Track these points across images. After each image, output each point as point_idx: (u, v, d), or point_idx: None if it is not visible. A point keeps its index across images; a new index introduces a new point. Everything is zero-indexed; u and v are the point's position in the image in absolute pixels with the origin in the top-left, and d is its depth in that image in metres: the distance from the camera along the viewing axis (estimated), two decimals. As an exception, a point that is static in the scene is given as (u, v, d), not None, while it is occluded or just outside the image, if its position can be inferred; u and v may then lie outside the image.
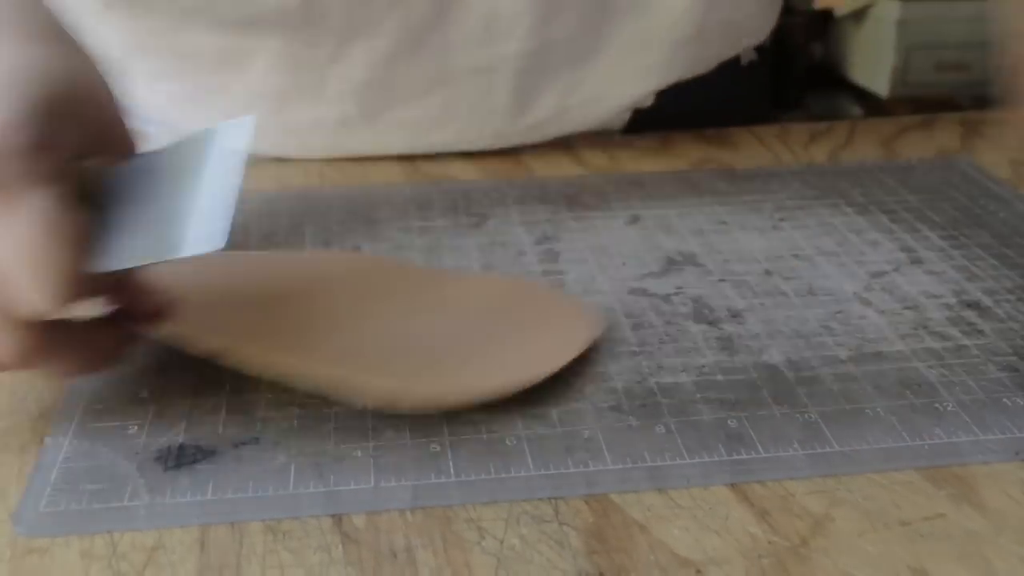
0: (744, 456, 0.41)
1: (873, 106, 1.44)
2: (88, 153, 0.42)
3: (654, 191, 0.66)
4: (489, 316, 0.50)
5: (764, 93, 0.86)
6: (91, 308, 0.42)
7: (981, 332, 0.50)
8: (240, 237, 0.60)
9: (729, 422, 0.43)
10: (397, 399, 0.43)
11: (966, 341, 0.49)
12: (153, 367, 0.47)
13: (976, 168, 0.69)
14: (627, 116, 0.76)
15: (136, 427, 0.43)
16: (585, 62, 0.73)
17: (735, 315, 0.51)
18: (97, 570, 0.36)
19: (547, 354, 0.46)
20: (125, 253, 0.39)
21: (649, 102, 0.75)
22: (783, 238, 0.60)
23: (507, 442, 0.42)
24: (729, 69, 0.78)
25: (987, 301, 0.52)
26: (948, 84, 1.39)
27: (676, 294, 0.54)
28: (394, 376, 0.44)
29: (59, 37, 0.44)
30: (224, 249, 0.37)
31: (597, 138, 0.75)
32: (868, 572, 0.36)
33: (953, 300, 0.53)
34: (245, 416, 0.44)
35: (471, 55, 0.70)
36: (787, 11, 0.84)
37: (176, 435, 0.43)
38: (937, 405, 0.44)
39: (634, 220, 0.62)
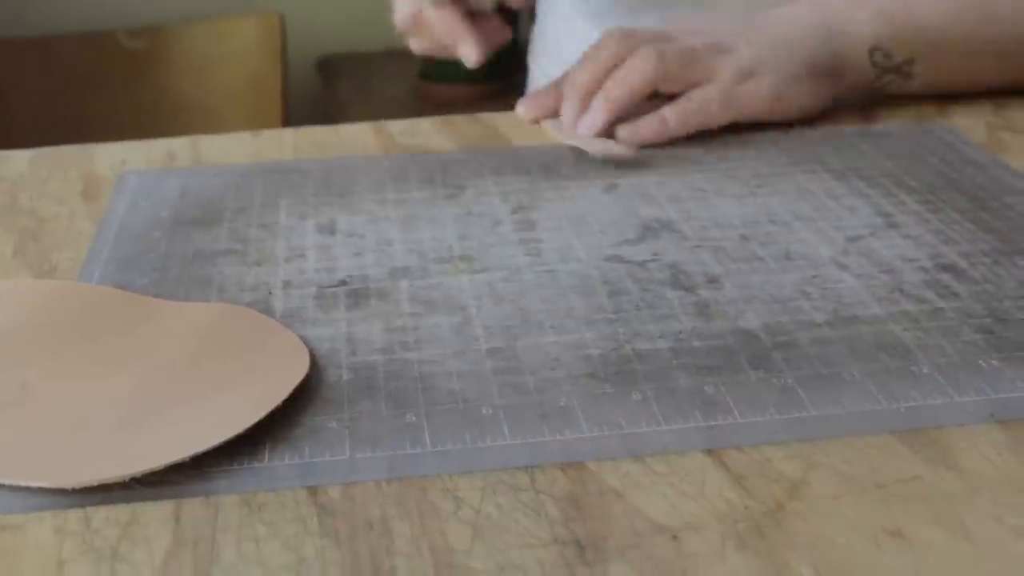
0: (721, 422, 0.41)
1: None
2: None
3: (631, 159, 0.66)
4: (191, 361, 0.45)
5: None
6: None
7: (957, 295, 0.50)
8: (215, 211, 0.60)
9: (706, 388, 0.43)
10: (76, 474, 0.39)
11: (942, 304, 0.49)
12: (126, 342, 0.47)
13: (952, 133, 0.69)
14: None
15: (110, 402, 0.43)
16: None
17: (712, 281, 0.51)
18: (71, 546, 0.36)
19: (249, 404, 0.42)
20: None
21: None
22: (760, 204, 0.59)
23: (483, 411, 0.42)
24: None
25: (963, 264, 0.52)
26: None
27: (652, 261, 0.53)
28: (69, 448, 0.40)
29: None
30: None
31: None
32: (844, 535, 0.36)
33: (929, 264, 0.53)
34: (219, 390, 0.44)
35: None
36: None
37: (150, 410, 0.43)
38: (913, 368, 0.44)
39: (611, 188, 0.62)
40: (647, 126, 0.68)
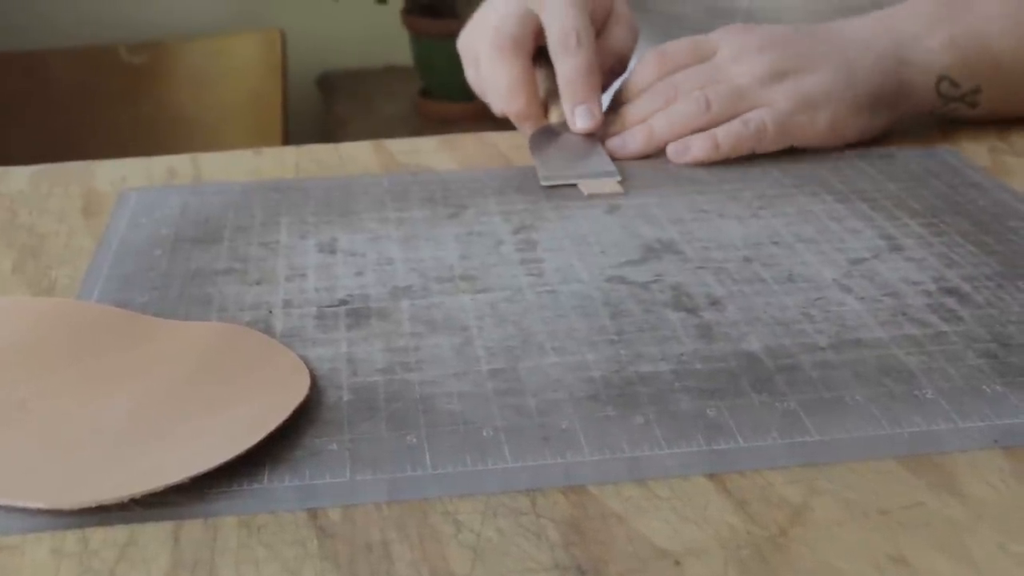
0: (723, 446, 0.41)
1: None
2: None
3: (633, 180, 0.66)
4: (190, 380, 0.45)
5: None
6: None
7: (960, 319, 0.49)
8: (215, 230, 0.60)
9: (708, 411, 0.43)
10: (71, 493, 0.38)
11: (945, 328, 0.49)
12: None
13: (956, 156, 0.69)
14: None
15: (108, 422, 0.43)
16: None
17: (714, 303, 0.51)
18: (68, 567, 0.36)
19: (249, 425, 0.41)
20: None
21: None
22: (762, 226, 0.59)
23: (484, 433, 0.42)
24: None
25: (966, 288, 0.52)
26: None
27: (655, 282, 0.53)
28: (68, 466, 0.40)
29: None
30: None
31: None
32: (847, 561, 0.36)
33: (932, 287, 0.52)
34: (219, 410, 0.43)
35: None
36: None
37: (149, 429, 0.42)
38: (916, 393, 0.44)
39: (613, 209, 0.62)
40: (698, 146, 0.67)
